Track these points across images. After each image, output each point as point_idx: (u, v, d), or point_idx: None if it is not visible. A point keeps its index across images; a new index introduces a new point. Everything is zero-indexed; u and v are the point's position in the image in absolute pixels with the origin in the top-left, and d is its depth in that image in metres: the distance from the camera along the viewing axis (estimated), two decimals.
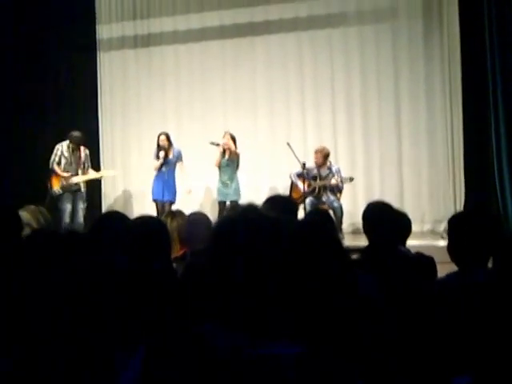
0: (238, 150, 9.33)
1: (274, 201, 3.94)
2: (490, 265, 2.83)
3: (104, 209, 10.75)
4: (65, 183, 9.27)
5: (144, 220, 2.91)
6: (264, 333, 1.41)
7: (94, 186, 10.48)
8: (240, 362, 1.37)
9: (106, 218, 3.12)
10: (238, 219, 1.52)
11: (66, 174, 9.26)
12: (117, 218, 3.04)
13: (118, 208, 10.03)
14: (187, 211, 4.33)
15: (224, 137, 9.37)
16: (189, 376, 1.39)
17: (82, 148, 9.41)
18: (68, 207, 9.25)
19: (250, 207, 1.60)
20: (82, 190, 9.44)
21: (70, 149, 9.33)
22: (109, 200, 11.07)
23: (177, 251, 3.76)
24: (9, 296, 2.18)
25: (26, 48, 10.59)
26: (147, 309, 2.39)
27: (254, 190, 9.79)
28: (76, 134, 9.32)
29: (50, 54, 10.59)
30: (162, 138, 9.46)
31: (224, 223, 1.54)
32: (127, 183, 11.05)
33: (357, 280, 2.71)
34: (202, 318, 1.49)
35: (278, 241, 1.48)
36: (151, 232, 2.69)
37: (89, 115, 10.83)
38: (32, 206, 4.14)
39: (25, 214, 3.92)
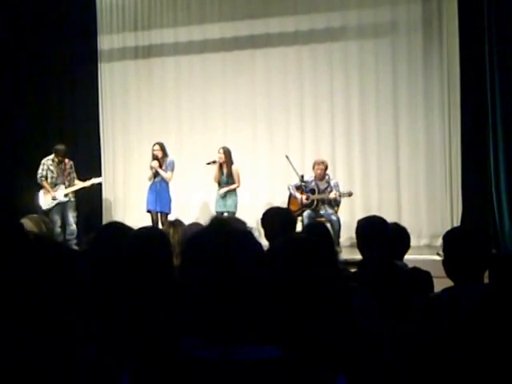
0: (236, 177, 9.30)
1: (274, 214, 3.99)
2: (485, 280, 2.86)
3: (104, 218, 10.79)
4: (53, 197, 9.45)
5: (146, 231, 2.92)
6: (238, 339, 1.44)
7: (95, 197, 10.56)
8: (217, 371, 1.40)
9: (107, 229, 3.12)
10: (206, 231, 1.56)
11: (53, 192, 9.46)
12: (118, 228, 3.04)
13: (118, 218, 10.06)
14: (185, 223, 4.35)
15: (219, 152, 9.36)
16: None
17: (66, 160, 9.58)
18: (57, 219, 9.47)
19: (220, 220, 1.65)
20: (72, 199, 9.65)
21: (55, 162, 9.51)
22: (109, 210, 11.10)
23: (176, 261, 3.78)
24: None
25: (27, 59, 10.65)
26: (148, 321, 2.41)
27: (251, 202, 9.81)
28: (60, 147, 9.52)
29: (50, 64, 10.62)
30: (156, 147, 9.43)
31: (193, 237, 1.57)
32: (128, 193, 11.09)
33: (346, 290, 2.73)
34: (184, 330, 1.52)
35: (247, 252, 1.51)
36: (153, 243, 2.71)
37: (90, 126, 10.90)
38: (35, 215, 4.23)
39: (27, 222, 3.98)
